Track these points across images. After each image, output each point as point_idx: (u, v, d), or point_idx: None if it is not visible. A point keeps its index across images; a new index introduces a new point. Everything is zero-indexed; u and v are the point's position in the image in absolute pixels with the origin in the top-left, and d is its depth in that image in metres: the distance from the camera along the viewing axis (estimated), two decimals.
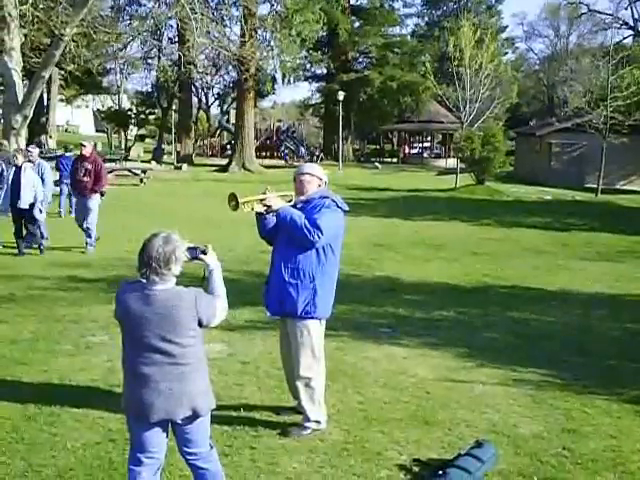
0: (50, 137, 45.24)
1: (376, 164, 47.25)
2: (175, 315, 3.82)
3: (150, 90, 52.74)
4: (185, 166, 39.52)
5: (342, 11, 45.66)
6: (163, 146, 48.13)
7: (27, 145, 28.18)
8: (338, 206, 5.55)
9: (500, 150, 29.64)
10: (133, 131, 57.21)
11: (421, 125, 52.17)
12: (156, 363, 3.86)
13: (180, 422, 3.94)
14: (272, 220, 5.56)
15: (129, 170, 30.84)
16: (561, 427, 5.83)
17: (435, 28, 59.35)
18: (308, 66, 49.87)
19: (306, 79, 54.17)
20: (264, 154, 49.74)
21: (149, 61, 42.79)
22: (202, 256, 4.12)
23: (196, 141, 51.75)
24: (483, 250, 15.36)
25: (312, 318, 5.49)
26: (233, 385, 6.59)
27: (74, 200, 20.82)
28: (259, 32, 37.75)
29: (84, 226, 13.51)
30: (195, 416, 3.95)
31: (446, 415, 6.03)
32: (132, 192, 26.08)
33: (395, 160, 52.78)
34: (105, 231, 14.47)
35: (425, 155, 55.49)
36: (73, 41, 31.02)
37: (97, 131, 68.57)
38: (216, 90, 57.23)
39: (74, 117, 71.72)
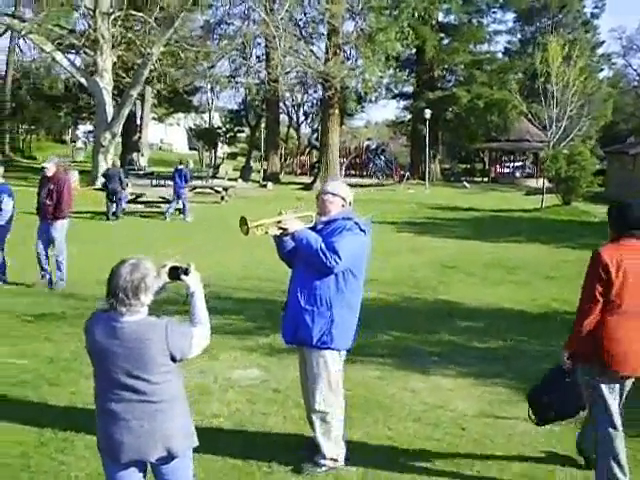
0: (142, 155, 46.21)
1: (465, 183, 46.40)
2: (144, 350, 3.53)
3: (239, 108, 53.41)
4: (270, 184, 39.66)
5: (430, 28, 45.14)
6: (252, 164, 48.54)
7: (121, 164, 28.87)
8: (361, 229, 5.18)
9: (587, 169, 28.59)
10: (223, 149, 57.97)
11: (513, 144, 51.06)
12: (125, 400, 3.59)
13: (156, 462, 3.67)
14: (291, 241, 5.28)
15: (211, 188, 31.08)
16: None
17: (528, 45, 57.99)
18: (392, 85, 49.34)
19: (393, 97, 53.77)
20: (353, 172, 49.65)
21: (237, 79, 43.17)
22: (183, 277, 3.84)
23: (285, 159, 52.00)
24: (557, 273, 14.59)
25: (329, 349, 5.15)
26: (259, 414, 6.33)
27: (186, 205, 22.67)
28: (344, 49, 37.73)
29: (55, 259, 11.70)
30: (171, 457, 3.66)
31: (478, 456, 5.59)
32: (210, 210, 26.18)
33: (485, 179, 51.83)
34: (170, 245, 14.43)
35: (517, 174, 54.29)
36: (159, 60, 31.74)
37: (190, 149, 69.79)
38: (305, 108, 57.55)
39: (168, 135, 73.28)
